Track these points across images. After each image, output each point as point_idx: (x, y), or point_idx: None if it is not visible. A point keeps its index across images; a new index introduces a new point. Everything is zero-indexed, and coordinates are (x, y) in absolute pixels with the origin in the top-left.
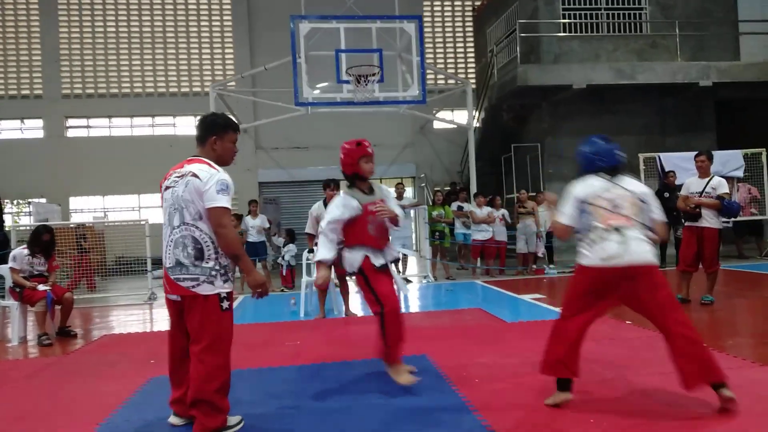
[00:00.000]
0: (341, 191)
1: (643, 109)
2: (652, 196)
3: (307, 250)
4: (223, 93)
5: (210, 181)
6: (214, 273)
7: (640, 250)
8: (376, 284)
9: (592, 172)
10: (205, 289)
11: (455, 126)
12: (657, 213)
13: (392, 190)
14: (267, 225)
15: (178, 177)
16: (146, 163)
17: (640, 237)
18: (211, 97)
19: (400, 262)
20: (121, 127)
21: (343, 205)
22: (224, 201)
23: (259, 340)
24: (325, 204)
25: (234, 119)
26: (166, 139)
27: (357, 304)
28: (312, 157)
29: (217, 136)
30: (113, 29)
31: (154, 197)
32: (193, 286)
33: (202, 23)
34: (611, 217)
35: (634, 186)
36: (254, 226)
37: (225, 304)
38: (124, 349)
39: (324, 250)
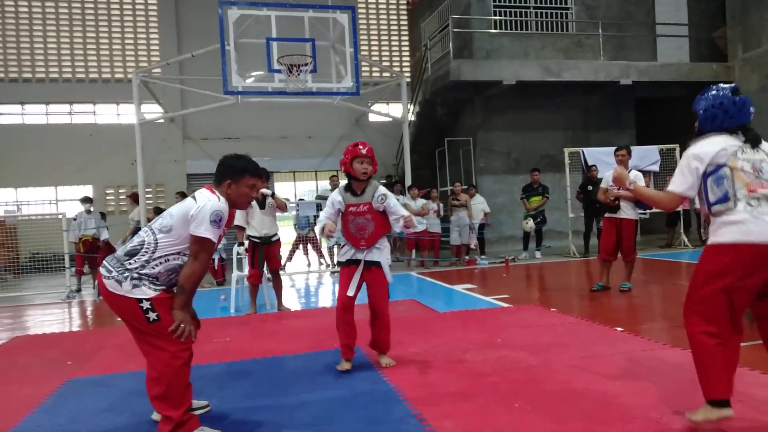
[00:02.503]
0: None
1: (569, 105)
2: None
3: (236, 243)
4: (148, 80)
5: (204, 208)
6: (130, 275)
7: None
8: (340, 279)
9: (714, 132)
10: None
11: (390, 119)
12: None
13: (386, 191)
14: None
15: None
16: (64, 153)
17: None
18: (135, 84)
19: (336, 256)
20: (36, 114)
21: (330, 200)
22: (209, 233)
23: None
24: None
25: (255, 162)
26: (85, 128)
27: (291, 298)
28: (243, 148)
29: (232, 180)
30: (25, 7)
31: (72, 189)
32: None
33: (125, 5)
34: (756, 184)
35: None
36: None
37: (151, 315)
38: (39, 351)
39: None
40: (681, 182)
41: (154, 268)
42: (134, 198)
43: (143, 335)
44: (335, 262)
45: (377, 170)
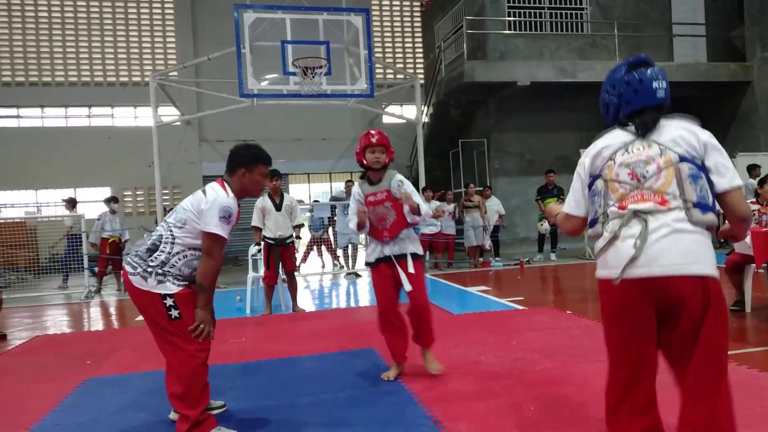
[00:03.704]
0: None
1: (584, 106)
2: (714, 150)
3: (253, 244)
4: (165, 83)
5: (213, 204)
6: (155, 271)
7: (675, 252)
8: (374, 283)
9: (615, 123)
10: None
11: (404, 121)
12: (725, 178)
13: (403, 177)
14: None
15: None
16: (83, 156)
17: (679, 228)
18: (152, 87)
19: (350, 257)
20: (55, 117)
21: (353, 196)
22: (220, 229)
23: None
24: (270, 196)
25: (265, 151)
26: (103, 131)
27: (305, 299)
28: None
29: (246, 169)
30: (45, 12)
31: (91, 191)
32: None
33: (142, 9)
34: (631, 197)
35: (677, 136)
36: None
37: (174, 312)
38: (59, 350)
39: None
40: (568, 199)
41: (174, 265)
42: (71, 203)
43: (163, 333)
44: (352, 265)
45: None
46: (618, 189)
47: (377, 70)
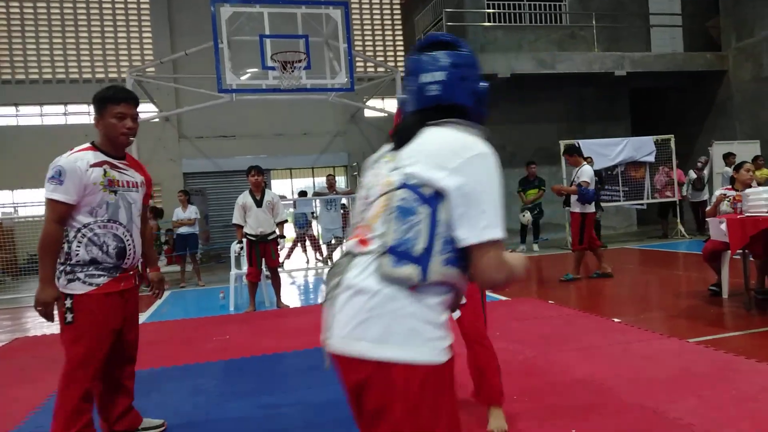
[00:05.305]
0: None
1: (564, 97)
2: (471, 182)
3: (236, 241)
4: (142, 79)
5: (49, 168)
6: (63, 269)
7: (343, 319)
8: None
9: None
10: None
11: (386, 114)
12: (475, 228)
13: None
14: (197, 216)
15: None
16: (60, 154)
17: (357, 284)
18: (129, 84)
19: (333, 252)
20: (30, 115)
21: None
22: (48, 191)
23: (186, 336)
24: (251, 193)
25: (122, 88)
26: (80, 128)
27: (290, 295)
28: (239, 146)
29: (98, 115)
30: (17, 9)
31: None
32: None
33: (117, 4)
34: (356, 228)
35: (421, 147)
36: (183, 218)
37: (68, 316)
38: (39, 352)
39: None
40: None
41: (77, 252)
42: None
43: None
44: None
45: None
46: (355, 217)
47: (357, 64)
